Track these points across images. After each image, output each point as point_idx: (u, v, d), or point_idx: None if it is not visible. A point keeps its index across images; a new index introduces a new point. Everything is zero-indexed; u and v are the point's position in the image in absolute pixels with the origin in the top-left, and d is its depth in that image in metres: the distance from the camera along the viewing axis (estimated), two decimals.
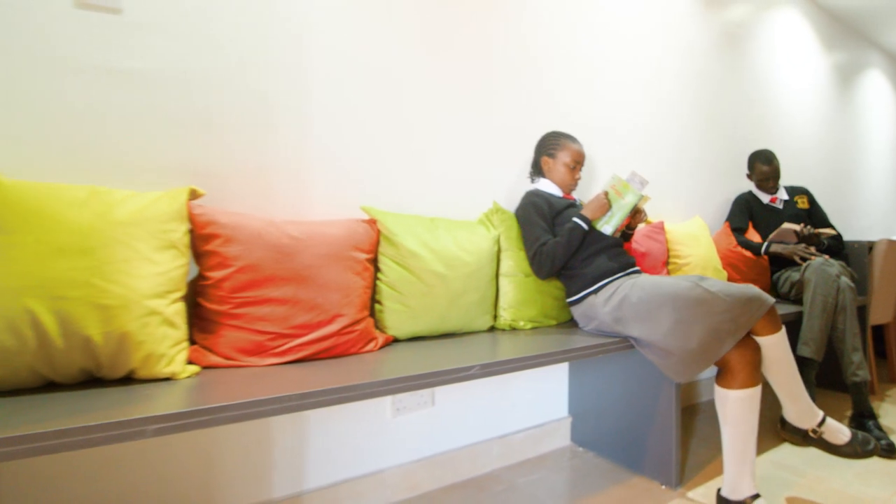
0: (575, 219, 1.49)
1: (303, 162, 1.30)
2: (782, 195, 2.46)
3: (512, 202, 1.74)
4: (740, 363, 1.30)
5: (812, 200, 2.49)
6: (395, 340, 1.31)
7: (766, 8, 2.94)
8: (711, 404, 2.29)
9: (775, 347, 1.40)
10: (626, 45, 2.15)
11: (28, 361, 0.83)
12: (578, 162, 1.65)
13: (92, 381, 0.92)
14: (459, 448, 1.56)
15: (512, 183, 1.74)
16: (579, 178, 1.68)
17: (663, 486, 1.51)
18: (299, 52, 1.31)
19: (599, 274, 1.49)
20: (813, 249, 2.14)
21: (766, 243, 2.23)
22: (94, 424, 0.69)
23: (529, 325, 1.52)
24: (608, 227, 1.54)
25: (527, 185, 1.78)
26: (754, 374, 1.31)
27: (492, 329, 1.50)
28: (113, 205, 0.94)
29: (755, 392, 1.30)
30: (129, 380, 0.92)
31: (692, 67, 2.47)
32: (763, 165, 2.40)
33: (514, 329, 1.50)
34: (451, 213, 1.59)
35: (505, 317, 1.49)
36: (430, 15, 1.55)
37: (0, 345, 0.80)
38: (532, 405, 1.76)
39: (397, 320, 1.28)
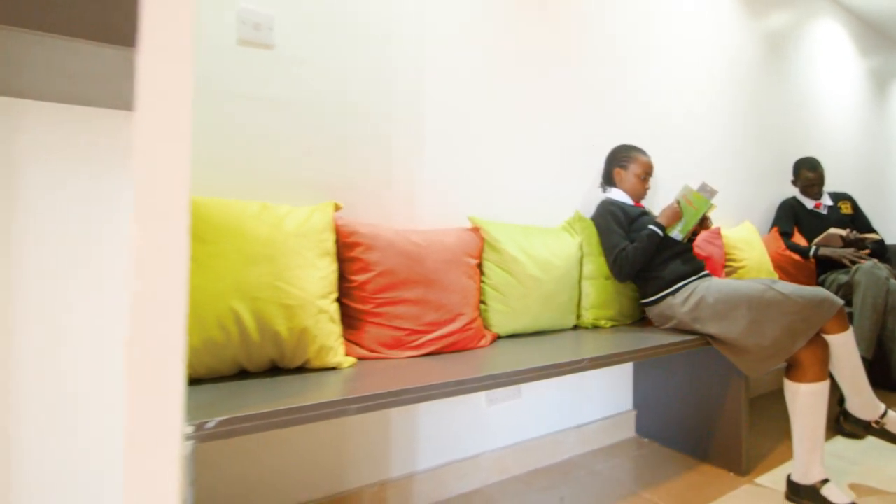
0: (651, 226, 1.62)
1: (415, 177, 1.45)
2: (826, 201, 2.56)
3: (586, 210, 1.87)
4: (811, 359, 1.42)
5: (855, 206, 2.60)
6: (499, 337, 1.44)
7: (805, 17, 3.04)
8: (764, 398, 2.41)
9: (843, 345, 1.52)
10: (679, 63, 2.27)
11: (232, 353, 0.98)
12: (648, 173, 1.78)
13: (273, 369, 1.06)
14: (542, 436, 1.70)
15: (585, 192, 1.87)
16: (648, 188, 1.81)
17: (731, 474, 1.64)
18: (418, 79, 1.45)
19: (676, 277, 1.62)
20: (863, 253, 2.25)
21: (813, 247, 2.34)
22: (314, 403, 0.84)
23: (609, 324, 1.65)
24: (679, 233, 1.67)
25: (596, 195, 1.91)
26: (823, 369, 1.43)
27: (575, 327, 1.64)
28: (281, 218, 1.09)
29: (824, 386, 1.43)
30: (302, 369, 1.07)
31: (738, 78, 2.58)
32: (808, 172, 2.51)
33: (595, 327, 1.64)
34: (535, 220, 1.72)
35: (587, 316, 1.63)
36: (526, 56, 1.68)
37: (212, 339, 0.95)
38: (601, 399, 1.89)
39: (500, 319, 1.42)
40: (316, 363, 1.05)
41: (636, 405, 1.98)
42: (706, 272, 1.69)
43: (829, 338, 1.53)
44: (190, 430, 0.75)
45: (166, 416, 0.71)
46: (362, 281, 1.19)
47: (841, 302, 1.46)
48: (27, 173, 0.96)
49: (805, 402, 1.43)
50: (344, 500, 1.29)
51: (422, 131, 1.46)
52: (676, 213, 1.65)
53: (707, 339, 1.52)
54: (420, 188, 1.46)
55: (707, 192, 1.65)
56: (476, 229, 1.44)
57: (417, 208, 1.45)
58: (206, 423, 0.75)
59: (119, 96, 0.98)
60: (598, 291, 1.64)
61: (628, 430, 1.96)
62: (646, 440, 1.93)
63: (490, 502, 1.46)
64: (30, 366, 0.94)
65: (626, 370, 1.98)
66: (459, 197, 1.54)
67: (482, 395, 1.58)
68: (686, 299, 1.56)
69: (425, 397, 0.95)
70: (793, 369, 1.46)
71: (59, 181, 0.97)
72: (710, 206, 1.66)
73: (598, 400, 1.88)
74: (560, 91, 1.80)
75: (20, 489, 0.94)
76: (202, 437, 0.75)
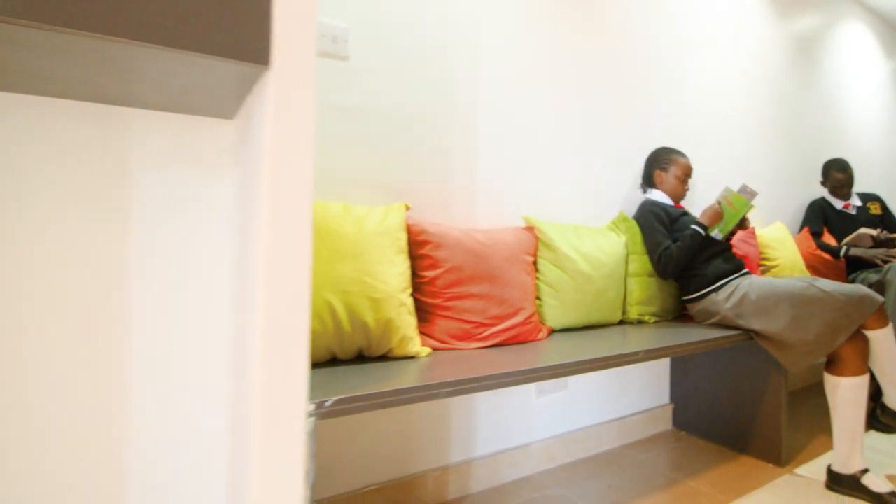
0: (693, 226, 1.69)
1: (472, 178, 1.53)
2: (855, 201, 2.61)
3: (627, 211, 1.94)
4: (851, 354, 1.49)
5: (884, 206, 2.64)
6: (553, 331, 1.52)
7: (832, 20, 3.08)
8: (799, 393, 2.46)
9: (883, 340, 1.58)
10: (712, 68, 2.33)
11: (327, 342, 1.06)
12: (687, 174, 1.85)
13: (359, 357, 1.15)
14: (585, 427, 1.78)
15: (626, 193, 1.95)
16: (688, 189, 1.88)
17: (770, 465, 1.70)
18: (473, 88, 1.53)
19: (718, 274, 1.69)
20: (894, 252, 2.29)
21: (844, 247, 2.39)
22: (414, 386, 0.92)
23: (653, 319, 1.72)
24: (720, 233, 1.73)
25: (635, 196, 1.98)
26: (863, 364, 1.49)
27: (621, 322, 1.71)
28: (362, 217, 1.18)
29: (864, 380, 1.49)
30: (385, 357, 1.16)
31: (768, 81, 2.64)
32: (838, 173, 2.56)
33: (640, 322, 1.71)
34: (580, 220, 1.80)
35: (632, 312, 1.70)
36: (570, 63, 1.76)
37: (312, 330, 1.04)
38: (639, 393, 1.96)
39: (554, 314, 1.50)
40: (398, 352, 1.14)
41: (673, 399, 2.05)
42: (746, 270, 1.76)
43: (869, 333, 1.59)
44: (311, 408, 0.83)
45: (295, 396, 0.80)
46: (432, 277, 1.27)
47: (881, 299, 1.52)
48: (141, 175, 1.05)
49: (845, 395, 1.49)
50: (411, 483, 1.37)
51: (477, 137, 1.54)
52: (718, 214, 1.71)
53: (750, 334, 1.59)
54: (477, 189, 1.54)
55: (747, 193, 1.72)
56: (531, 228, 1.52)
57: (475, 208, 1.53)
58: (324, 402, 0.84)
59: (220, 106, 1.07)
60: (642, 288, 1.71)
61: (665, 424, 2.03)
62: (683, 433, 1.99)
63: (541, 489, 1.54)
64: (144, 358, 1.04)
65: (663, 365, 2.05)
66: (512, 198, 1.62)
67: (532, 387, 1.66)
68: (729, 296, 1.63)
69: (506, 383, 1.03)
70: (833, 364, 1.52)
71: (168, 182, 1.07)
72: (750, 208, 1.73)
73: (636, 394, 1.95)
74: (601, 98, 1.88)
75: (133, 462, 1.03)
76: (321, 414, 0.84)
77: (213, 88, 0.95)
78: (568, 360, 1.14)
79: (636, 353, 1.28)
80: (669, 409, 2.04)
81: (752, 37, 2.55)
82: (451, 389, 0.97)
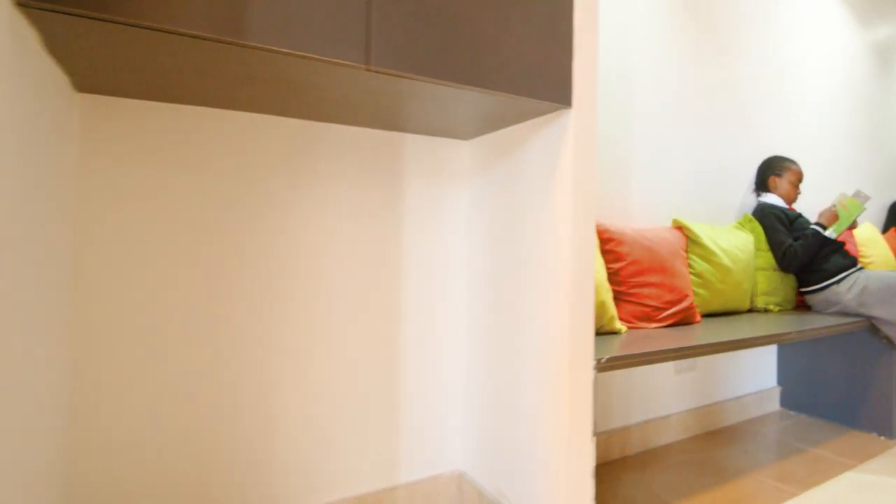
0: (813, 226, 1.92)
1: (629, 184, 1.78)
2: None
3: (740, 213, 2.18)
4: None
5: None
6: (703, 316, 1.77)
7: None
8: None
9: None
10: (807, 80, 2.55)
11: None
12: (800, 180, 2.08)
13: None
14: (710, 404, 2.01)
15: (742, 196, 2.18)
16: (799, 193, 2.10)
17: (882, 437, 1.92)
18: (628, 119, 1.79)
19: (838, 268, 1.91)
20: None
21: None
22: (652, 351, 1.18)
23: (777, 308, 1.96)
24: (834, 232, 1.96)
25: (746, 200, 2.21)
26: None
27: (750, 311, 1.95)
28: None
29: None
30: (597, 332, 1.42)
31: (853, 90, 2.84)
32: None
33: (767, 311, 1.95)
34: (705, 222, 2.04)
35: (758, 302, 1.94)
36: (701, 85, 2.01)
37: None
38: (751, 375, 2.19)
39: (700, 302, 1.74)
40: (607, 328, 1.40)
41: (780, 382, 2.27)
42: (860, 265, 1.98)
43: None
44: (594, 363, 1.10)
45: (587, 354, 1.06)
46: (618, 268, 1.53)
47: None
48: (408, 187, 1.33)
49: None
50: None
51: (634, 148, 1.80)
52: (834, 216, 1.94)
53: (871, 321, 1.81)
54: (632, 191, 1.79)
55: (861, 197, 1.94)
56: (679, 228, 1.77)
57: (629, 211, 1.79)
58: (601, 359, 1.10)
59: (465, 131, 1.33)
60: (767, 280, 1.94)
61: (773, 404, 2.25)
62: (792, 413, 2.22)
63: (686, 454, 1.78)
64: (413, 340, 1.32)
65: (770, 351, 2.28)
66: (657, 203, 1.87)
67: (671, 365, 1.90)
68: (850, 287, 1.86)
69: (743, 345, 1.29)
70: None
71: (427, 190, 1.34)
72: (861, 210, 1.95)
73: (748, 376, 2.18)
74: (722, 118, 2.12)
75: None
76: (600, 368, 1.10)
77: (460, 115, 1.19)
78: (748, 336, 1.38)
79: (788, 333, 1.52)
80: (777, 391, 2.26)
81: (839, 52, 2.75)
82: (692, 351, 1.22)
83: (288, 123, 1.16)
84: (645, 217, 1.84)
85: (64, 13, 0.60)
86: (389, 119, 1.18)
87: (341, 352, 1.22)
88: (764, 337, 1.43)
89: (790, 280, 2.02)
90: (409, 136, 1.34)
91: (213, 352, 1.07)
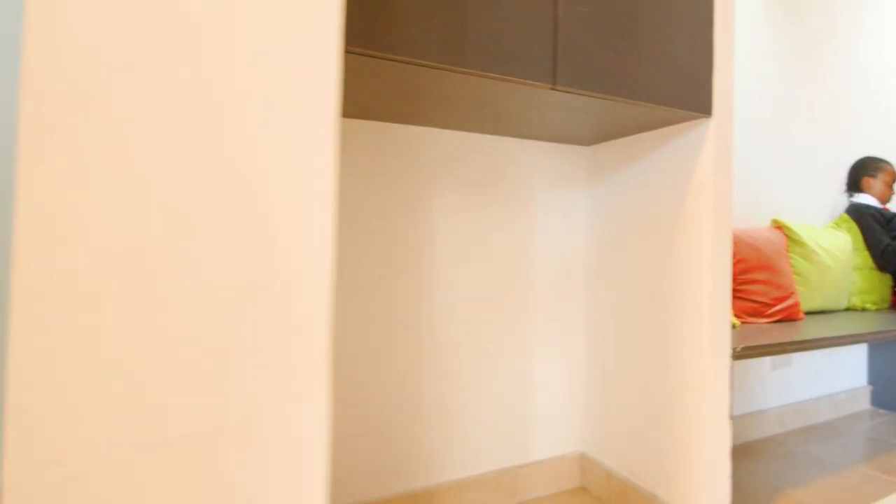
0: None
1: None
2: None
3: (833, 213, 2.21)
4: None
5: None
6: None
7: None
8: None
9: None
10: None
11: None
12: (894, 180, 2.10)
13: None
14: (805, 400, 2.05)
15: (833, 197, 2.21)
16: (893, 193, 2.12)
17: None
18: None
19: None
20: None
21: None
22: (779, 342, 1.26)
23: (874, 307, 1.99)
24: None
25: (837, 200, 2.24)
26: None
27: (847, 309, 1.99)
28: None
29: None
30: None
31: None
32: None
33: (863, 309, 1.98)
34: (800, 222, 2.09)
35: (855, 300, 1.97)
36: (797, 90, 2.06)
37: None
38: (842, 374, 2.21)
39: (803, 300, 1.80)
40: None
41: (871, 381, 2.28)
42: None
43: None
44: (730, 351, 1.19)
45: (725, 342, 1.15)
46: None
47: None
48: (537, 190, 1.45)
49: None
50: None
51: (732, 157, 1.87)
52: None
53: None
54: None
55: None
56: (780, 228, 1.83)
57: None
58: (735, 348, 1.20)
59: (586, 137, 1.44)
60: (863, 279, 1.98)
61: (864, 403, 2.26)
62: (882, 411, 2.23)
63: (785, 446, 1.84)
64: (541, 336, 1.44)
65: (861, 350, 2.29)
66: (756, 202, 1.93)
67: (767, 361, 1.96)
68: None
69: (840, 343, 1.36)
70: None
71: (552, 192, 1.46)
72: None
73: (840, 374, 2.20)
74: (820, 122, 2.15)
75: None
76: (736, 356, 1.19)
77: (576, 122, 1.30)
78: (860, 332, 1.44)
79: (891, 331, 1.56)
80: (868, 390, 2.27)
81: None
82: (798, 347, 1.30)
83: (483, 139, 1.34)
84: (744, 217, 1.90)
85: (366, 56, 0.75)
86: (527, 128, 1.31)
87: (483, 345, 1.35)
88: (879, 332, 1.48)
89: (886, 279, 2.05)
90: (533, 143, 1.46)
91: (415, 351, 1.22)
